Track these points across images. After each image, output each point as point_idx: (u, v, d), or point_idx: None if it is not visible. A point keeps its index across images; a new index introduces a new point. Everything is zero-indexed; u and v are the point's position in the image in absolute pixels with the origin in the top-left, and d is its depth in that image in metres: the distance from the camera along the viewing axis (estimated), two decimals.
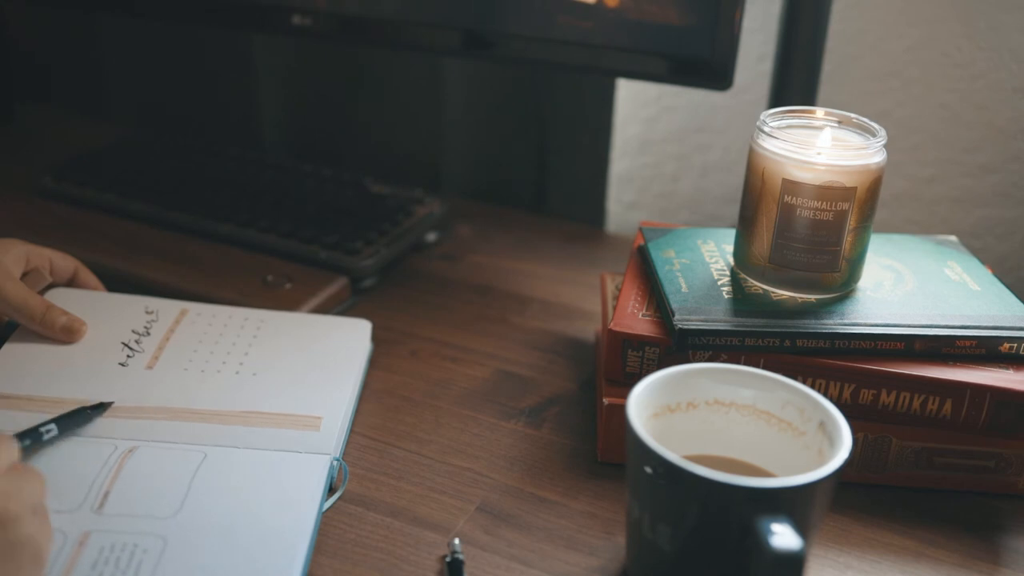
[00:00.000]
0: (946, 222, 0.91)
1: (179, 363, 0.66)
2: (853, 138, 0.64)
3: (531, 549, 0.56)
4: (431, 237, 0.92)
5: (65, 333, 0.66)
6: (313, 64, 1.07)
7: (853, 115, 0.64)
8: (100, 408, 0.61)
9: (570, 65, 0.81)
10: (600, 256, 0.93)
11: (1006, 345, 0.61)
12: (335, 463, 0.59)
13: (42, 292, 0.70)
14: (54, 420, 0.59)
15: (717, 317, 0.61)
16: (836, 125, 0.65)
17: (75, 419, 0.60)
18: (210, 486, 0.56)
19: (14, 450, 0.49)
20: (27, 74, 1.23)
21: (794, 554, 0.43)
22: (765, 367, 0.58)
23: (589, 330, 0.79)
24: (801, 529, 0.45)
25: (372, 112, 1.06)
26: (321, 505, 0.56)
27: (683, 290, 0.64)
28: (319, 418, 0.61)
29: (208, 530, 0.53)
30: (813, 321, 0.61)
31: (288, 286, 0.79)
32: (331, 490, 0.59)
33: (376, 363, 0.73)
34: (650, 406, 0.53)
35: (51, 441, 0.58)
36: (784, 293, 0.64)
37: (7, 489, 0.46)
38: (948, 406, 0.59)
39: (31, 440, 0.57)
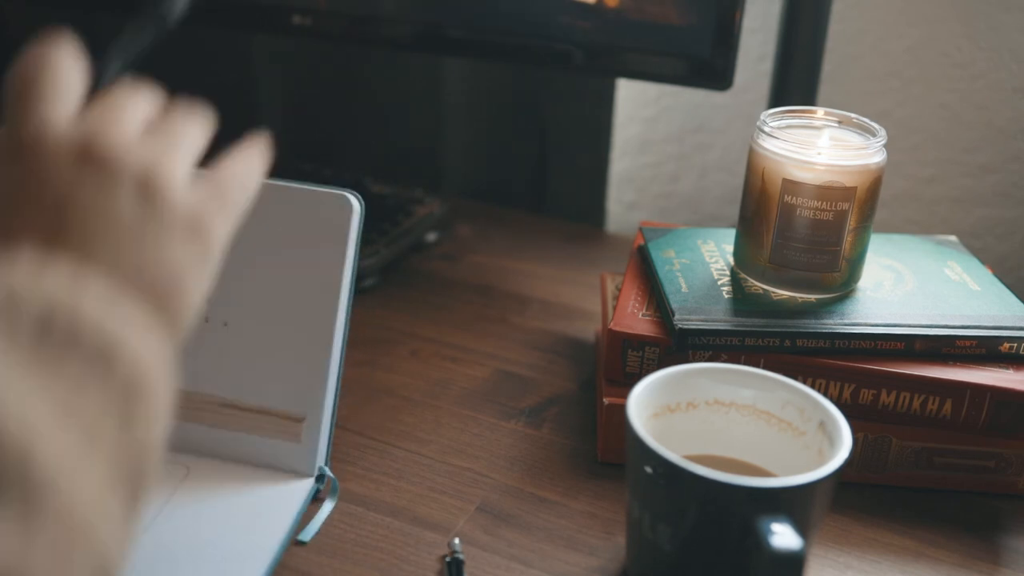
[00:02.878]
0: (946, 222, 0.91)
1: None
2: (853, 138, 0.64)
3: (531, 549, 0.56)
4: (431, 237, 0.92)
5: None
6: (313, 64, 1.07)
7: (853, 115, 0.64)
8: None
9: (570, 65, 0.81)
10: (600, 256, 0.93)
11: (1006, 345, 0.61)
12: (322, 472, 0.58)
13: None
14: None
15: (717, 317, 0.61)
16: (836, 125, 0.65)
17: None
18: (184, 509, 0.55)
19: (138, 100, 0.36)
20: None
21: (794, 554, 0.43)
22: (765, 367, 0.58)
23: (589, 330, 0.79)
24: (801, 529, 0.45)
25: (372, 112, 1.06)
26: (288, 537, 0.54)
27: (683, 290, 0.64)
28: (300, 421, 0.58)
29: (169, 555, 0.51)
30: (813, 321, 0.61)
31: None
32: (319, 498, 0.58)
33: (376, 363, 0.73)
34: (650, 406, 0.53)
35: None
36: (784, 293, 0.64)
37: (147, 154, 0.35)
38: (948, 406, 0.59)
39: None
